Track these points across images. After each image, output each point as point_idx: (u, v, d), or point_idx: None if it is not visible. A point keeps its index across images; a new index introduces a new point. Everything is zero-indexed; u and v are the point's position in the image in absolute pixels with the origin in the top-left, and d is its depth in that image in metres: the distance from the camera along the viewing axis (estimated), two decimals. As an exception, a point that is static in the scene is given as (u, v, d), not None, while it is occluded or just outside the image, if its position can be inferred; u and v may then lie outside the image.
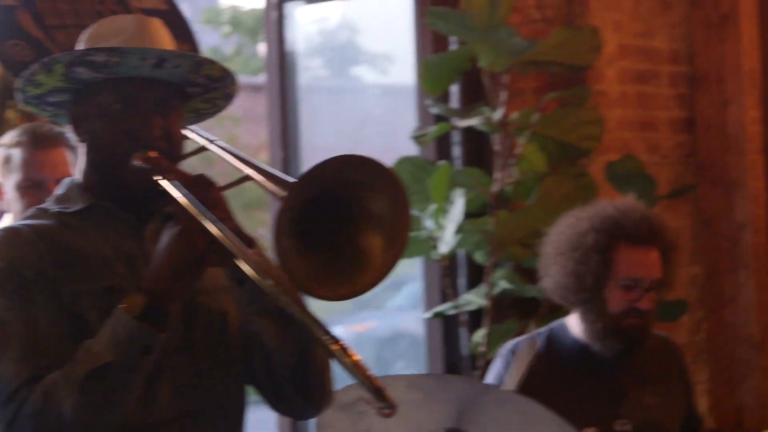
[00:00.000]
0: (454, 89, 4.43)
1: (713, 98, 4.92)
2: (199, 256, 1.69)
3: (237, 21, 16.09)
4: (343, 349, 1.51)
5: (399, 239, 1.54)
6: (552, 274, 3.06)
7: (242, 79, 4.17)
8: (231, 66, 2.65)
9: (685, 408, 3.18)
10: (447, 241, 3.86)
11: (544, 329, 3.18)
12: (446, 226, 3.87)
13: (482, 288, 4.11)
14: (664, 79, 4.91)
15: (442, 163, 3.79)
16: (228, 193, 1.78)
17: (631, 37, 4.77)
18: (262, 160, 1.85)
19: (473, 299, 4.15)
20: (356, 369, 1.52)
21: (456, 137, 4.49)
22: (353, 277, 1.52)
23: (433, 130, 4.01)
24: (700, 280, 5.04)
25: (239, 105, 3.25)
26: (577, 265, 2.99)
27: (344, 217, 1.52)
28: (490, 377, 3.16)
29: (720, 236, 4.96)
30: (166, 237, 1.74)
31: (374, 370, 1.55)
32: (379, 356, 9.28)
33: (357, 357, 1.52)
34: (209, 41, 14.60)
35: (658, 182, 4.71)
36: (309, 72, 6.22)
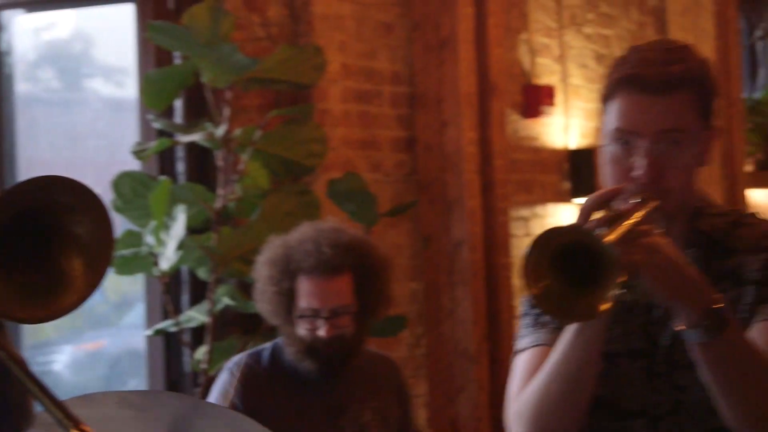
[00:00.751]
0: (178, 104, 4.41)
1: (432, 119, 5.09)
2: None
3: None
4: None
5: (101, 262, 1.51)
6: (256, 297, 3.13)
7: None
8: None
9: (402, 425, 3.26)
10: (168, 257, 3.82)
11: (269, 345, 3.20)
12: (167, 242, 3.83)
13: (205, 304, 4.08)
14: (386, 99, 5.04)
15: (163, 178, 3.75)
16: None
17: (355, 58, 4.88)
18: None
19: (195, 316, 4.12)
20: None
21: (180, 153, 4.46)
22: (52, 299, 1.48)
23: (153, 145, 3.96)
24: (419, 296, 5.19)
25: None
26: (267, 294, 3.06)
27: (44, 238, 1.49)
28: (214, 393, 3.16)
29: (439, 253, 5.12)
30: None
31: (105, 389, 1.52)
32: (110, 375, 9.08)
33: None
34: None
35: (380, 200, 4.83)
36: (40, 83, 6.03)
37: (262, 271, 3.11)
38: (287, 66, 4.05)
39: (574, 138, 6.08)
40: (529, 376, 1.91)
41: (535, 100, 5.75)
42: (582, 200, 5.95)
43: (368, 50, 4.95)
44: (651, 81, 1.86)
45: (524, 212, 5.76)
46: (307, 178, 4.55)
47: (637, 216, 1.77)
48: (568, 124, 6.06)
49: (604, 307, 1.66)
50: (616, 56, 1.99)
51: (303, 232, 3.10)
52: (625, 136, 1.88)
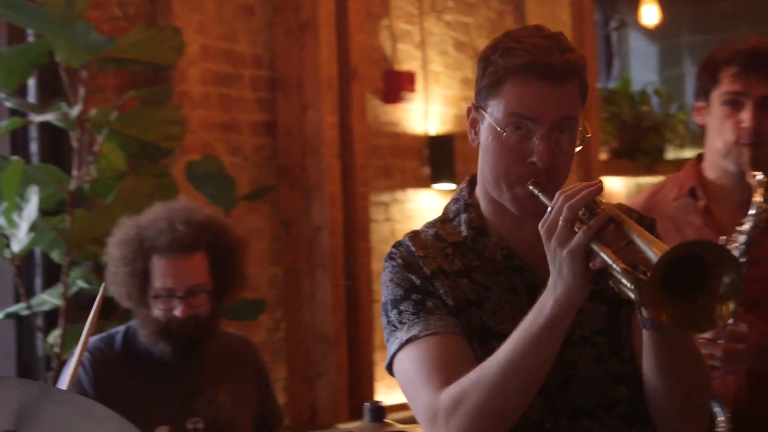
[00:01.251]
0: (32, 83, 4.31)
1: (293, 103, 5.08)
2: None
3: None
4: None
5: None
6: (109, 279, 3.08)
7: None
8: None
9: (261, 405, 3.26)
10: (20, 239, 3.74)
11: (121, 328, 3.17)
12: (19, 224, 3.74)
13: (58, 287, 4.01)
14: (246, 83, 5.02)
15: (15, 158, 3.66)
16: None
17: (215, 40, 4.84)
18: None
19: (48, 299, 4.05)
20: None
21: (34, 133, 4.37)
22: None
23: (4, 124, 3.87)
24: (279, 281, 5.19)
25: None
26: (120, 275, 3.03)
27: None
28: (65, 377, 3.10)
29: (299, 238, 5.13)
30: None
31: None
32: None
33: None
34: None
35: (240, 183, 4.81)
36: None
37: (114, 252, 3.06)
38: (145, 46, 4.00)
39: (434, 124, 6.15)
40: (442, 366, 1.87)
41: (396, 85, 5.79)
42: (442, 186, 6.02)
43: (228, 33, 4.92)
44: (552, 69, 1.89)
45: (384, 197, 5.80)
46: (166, 161, 4.50)
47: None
48: (429, 111, 6.12)
49: (730, 309, 1.69)
50: (493, 43, 1.98)
51: (155, 212, 3.07)
52: (521, 122, 1.90)
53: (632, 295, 1.72)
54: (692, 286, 1.68)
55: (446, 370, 1.86)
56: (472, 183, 2.08)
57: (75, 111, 3.90)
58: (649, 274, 1.65)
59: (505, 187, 1.94)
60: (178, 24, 4.43)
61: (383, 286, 2.02)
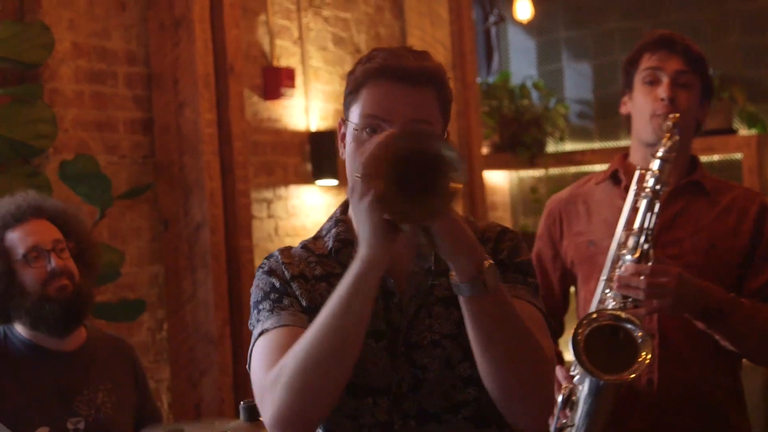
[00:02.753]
0: None
1: (169, 100, 5.03)
2: None
3: None
4: None
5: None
6: None
7: None
8: None
9: (139, 407, 3.25)
10: None
11: None
12: None
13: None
14: (121, 80, 4.95)
15: None
16: None
17: (86, 36, 4.76)
18: None
19: None
20: None
21: None
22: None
23: None
24: (159, 280, 5.13)
25: None
26: None
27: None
28: None
29: (179, 236, 5.07)
30: None
31: None
32: None
33: None
34: None
35: (118, 183, 4.75)
36: None
37: None
38: (11, 43, 3.91)
39: (315, 120, 6.14)
40: (280, 353, 1.89)
41: (275, 82, 5.76)
42: (324, 182, 6.01)
43: (101, 29, 4.84)
44: (405, 71, 1.95)
45: (267, 194, 5.77)
46: (38, 160, 4.42)
47: None
48: (309, 106, 6.10)
49: (450, 204, 1.73)
50: (360, 58, 2.05)
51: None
52: (375, 123, 1.95)
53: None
54: (419, 181, 1.74)
55: (281, 356, 1.88)
56: (347, 202, 2.11)
57: (-64, 110, 3.80)
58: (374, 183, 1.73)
59: None
60: (47, 20, 4.34)
61: (251, 293, 2.08)
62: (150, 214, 5.09)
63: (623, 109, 3.03)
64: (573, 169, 8.41)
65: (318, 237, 2.14)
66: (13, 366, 3.05)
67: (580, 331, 2.64)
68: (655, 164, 2.83)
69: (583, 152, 8.38)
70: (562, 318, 3.21)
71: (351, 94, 2.00)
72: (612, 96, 8.38)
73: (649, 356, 2.60)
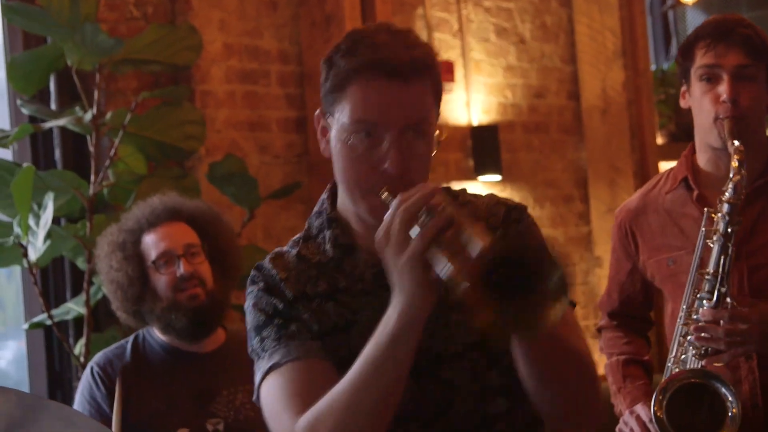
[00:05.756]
0: (53, 89, 4.37)
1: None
2: None
3: None
4: None
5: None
6: (105, 280, 3.17)
7: None
8: None
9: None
10: (37, 247, 3.79)
11: (130, 337, 3.24)
12: (37, 232, 3.80)
13: (82, 296, 4.06)
14: (273, 79, 5.03)
15: (27, 165, 3.72)
16: None
17: (238, 36, 4.87)
18: None
19: (73, 308, 4.10)
20: None
21: (57, 140, 4.43)
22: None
23: (15, 131, 3.92)
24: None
25: None
26: (114, 266, 3.11)
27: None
28: (78, 394, 3.19)
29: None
30: None
31: None
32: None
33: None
34: None
35: (271, 183, 4.84)
36: None
37: (103, 250, 3.19)
38: (159, 46, 4.04)
39: (477, 114, 6.11)
40: (301, 392, 1.82)
41: (434, 76, 5.75)
42: (487, 177, 5.97)
43: (252, 28, 4.94)
44: (397, 66, 1.81)
45: (425, 191, 5.77)
46: (190, 162, 4.54)
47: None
48: (471, 100, 6.08)
49: (558, 312, 1.63)
50: (336, 44, 1.91)
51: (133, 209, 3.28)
52: (368, 128, 1.83)
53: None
54: (518, 288, 1.61)
55: (306, 396, 1.80)
56: (334, 193, 2.00)
57: (88, 115, 3.94)
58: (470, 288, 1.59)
59: (360, 197, 1.87)
60: (197, 22, 4.46)
61: (247, 312, 1.97)
62: (305, 213, 5.15)
63: (683, 103, 2.85)
64: (758, 159, 8.12)
65: (309, 237, 1.99)
66: (152, 369, 3.14)
67: (659, 398, 2.63)
68: (725, 207, 2.68)
69: None
70: (647, 315, 3.14)
71: (334, 90, 1.87)
72: (801, 80, 8.09)
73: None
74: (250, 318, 1.95)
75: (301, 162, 5.16)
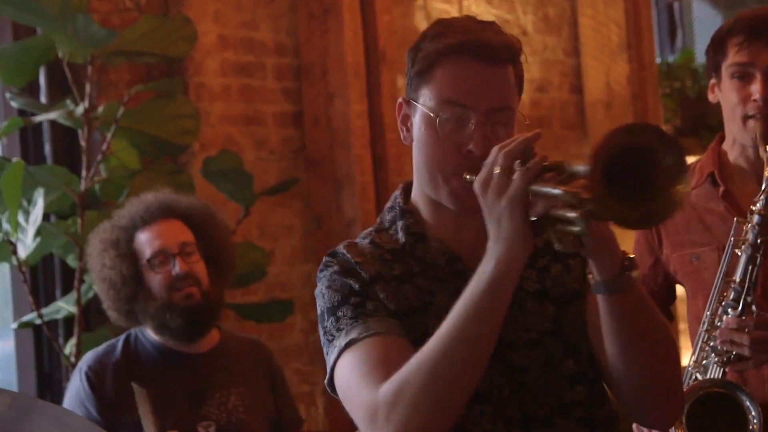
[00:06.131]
0: (43, 81, 4.34)
1: (318, 91, 5.06)
2: None
3: None
4: None
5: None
6: (97, 279, 3.15)
7: None
8: None
9: (278, 411, 3.28)
10: (27, 244, 3.76)
11: (121, 336, 3.23)
12: (26, 228, 3.77)
13: (73, 294, 4.03)
14: (269, 72, 5.00)
15: (16, 160, 3.69)
16: None
17: (233, 28, 4.84)
18: None
19: (63, 306, 4.07)
20: None
21: (47, 134, 4.40)
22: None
23: (3, 125, 3.89)
24: (313, 279, 5.17)
25: None
26: (107, 264, 3.09)
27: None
28: (67, 394, 3.19)
29: (330, 233, 5.10)
30: None
31: None
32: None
33: None
34: None
35: (268, 179, 4.81)
36: None
37: (95, 248, 3.17)
38: (153, 38, 4.00)
39: (477, 108, 6.08)
40: (382, 364, 1.80)
41: (434, 68, 5.73)
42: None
43: (248, 20, 4.91)
44: (487, 48, 1.87)
45: (426, 187, 5.75)
46: (185, 158, 4.51)
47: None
48: (471, 94, 6.05)
49: (680, 192, 1.64)
50: (422, 33, 1.96)
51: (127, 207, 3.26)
52: (455, 108, 1.88)
53: (576, 225, 1.67)
54: (635, 180, 1.63)
55: (387, 368, 1.79)
56: (407, 190, 2.04)
57: (80, 109, 3.91)
58: (589, 179, 1.62)
59: (442, 181, 1.91)
60: (192, 13, 4.43)
61: (318, 297, 1.97)
62: (301, 210, 5.14)
63: (711, 97, 2.82)
64: (764, 154, 8.11)
65: (381, 229, 2.02)
66: (144, 369, 3.14)
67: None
68: (755, 218, 2.67)
69: (775, 135, 8.06)
70: (667, 310, 3.12)
71: (421, 73, 1.91)
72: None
73: None
74: (323, 301, 1.95)
75: (298, 158, 5.13)
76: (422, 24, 5.79)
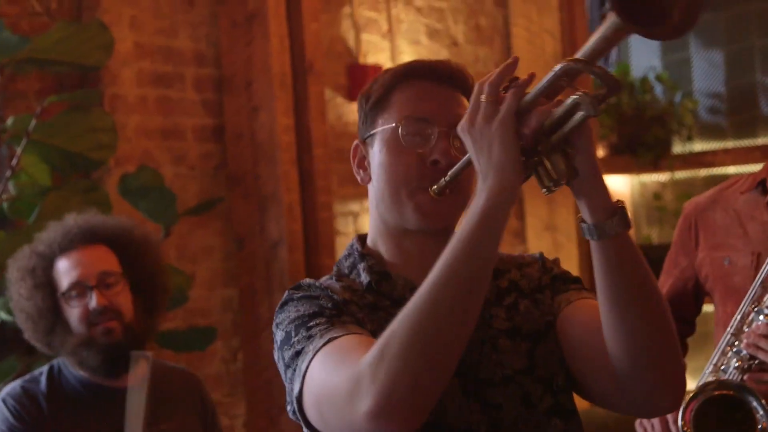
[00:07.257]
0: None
1: (242, 104, 5.05)
2: None
3: None
4: None
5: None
6: (15, 309, 3.10)
7: None
8: None
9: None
10: (-71, 267, 3.69)
11: (45, 368, 3.18)
12: (-71, 250, 3.70)
13: (-23, 322, 3.97)
14: (188, 83, 4.98)
15: None
16: None
17: (151, 36, 4.81)
18: None
19: (-33, 334, 4.00)
20: None
21: (-51, 147, 4.34)
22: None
23: None
24: (233, 304, 5.15)
25: None
26: (24, 294, 3.05)
27: None
28: None
29: (254, 255, 5.09)
30: None
31: None
32: None
33: None
34: None
35: (186, 197, 4.78)
36: None
37: (13, 275, 3.11)
38: (67, 45, 3.95)
39: (407, 123, 6.11)
40: (367, 344, 1.74)
41: (362, 81, 5.75)
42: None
43: (167, 27, 4.89)
44: (438, 71, 2.00)
45: (353, 206, 5.76)
46: (99, 173, 4.47)
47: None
48: (400, 108, 6.08)
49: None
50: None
51: (49, 230, 3.16)
52: (416, 124, 1.97)
53: (581, 109, 1.72)
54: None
55: (369, 347, 1.72)
56: (362, 239, 2.10)
57: (-13, 121, 3.86)
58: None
59: (406, 197, 1.96)
60: (107, 18, 4.40)
61: (281, 326, 1.93)
62: (222, 231, 5.12)
63: None
64: (703, 172, 8.26)
65: (341, 275, 2.05)
66: (68, 403, 3.08)
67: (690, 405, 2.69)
68: None
69: (714, 152, 8.21)
70: (693, 320, 3.25)
71: (377, 103, 2.02)
72: (747, 87, 8.23)
73: None
74: (289, 319, 1.92)
75: (219, 174, 5.11)
76: (349, 33, 5.82)
